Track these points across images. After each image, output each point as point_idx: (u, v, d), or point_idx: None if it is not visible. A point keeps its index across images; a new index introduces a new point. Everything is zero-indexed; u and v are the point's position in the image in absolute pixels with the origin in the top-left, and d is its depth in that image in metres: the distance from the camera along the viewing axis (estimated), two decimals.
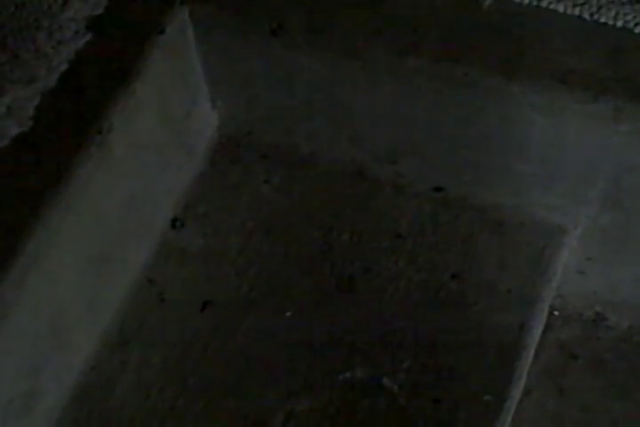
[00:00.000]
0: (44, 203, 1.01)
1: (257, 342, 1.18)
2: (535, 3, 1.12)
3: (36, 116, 1.06)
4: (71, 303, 1.10)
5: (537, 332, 1.20)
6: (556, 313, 1.43)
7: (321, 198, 1.27)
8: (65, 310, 1.09)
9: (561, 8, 1.11)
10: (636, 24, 1.09)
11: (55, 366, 1.09)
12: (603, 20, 1.10)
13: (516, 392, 1.15)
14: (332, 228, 1.25)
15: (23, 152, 1.04)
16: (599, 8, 1.11)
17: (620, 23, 1.10)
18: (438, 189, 1.26)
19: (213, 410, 1.13)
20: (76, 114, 1.06)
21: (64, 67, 1.09)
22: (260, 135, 1.29)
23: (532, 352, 1.19)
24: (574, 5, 1.11)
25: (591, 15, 1.11)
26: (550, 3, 1.12)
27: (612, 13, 1.10)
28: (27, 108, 1.06)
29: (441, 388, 1.14)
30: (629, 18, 1.10)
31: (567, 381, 1.41)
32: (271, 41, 1.14)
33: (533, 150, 1.16)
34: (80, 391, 1.13)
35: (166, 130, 1.19)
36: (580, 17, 1.11)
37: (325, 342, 1.17)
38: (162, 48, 1.12)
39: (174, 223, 1.25)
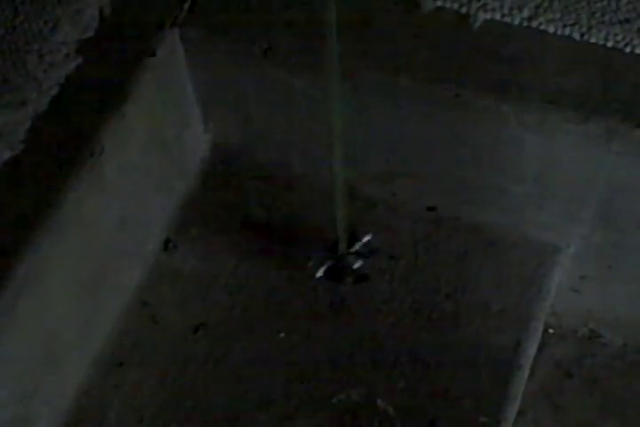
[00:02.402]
0: (35, 226, 1.00)
1: (251, 363, 1.17)
2: (526, 23, 1.12)
3: (26, 139, 1.06)
4: (63, 327, 1.09)
5: (532, 351, 1.20)
6: (550, 331, 1.43)
7: (315, 219, 1.27)
8: (57, 333, 1.08)
9: (551, 28, 1.12)
10: (626, 44, 1.10)
11: (48, 391, 1.09)
12: (593, 40, 1.11)
13: (512, 413, 1.15)
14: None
15: (14, 176, 1.04)
16: (589, 28, 1.11)
17: (610, 43, 1.10)
18: (431, 209, 1.27)
19: None
20: (67, 137, 1.06)
21: (55, 90, 1.08)
22: (253, 156, 1.29)
23: (527, 372, 1.19)
24: (564, 26, 1.12)
25: (581, 35, 1.11)
26: (541, 23, 1.12)
27: (603, 34, 1.11)
28: (17, 131, 1.06)
29: (436, 409, 1.14)
30: (619, 38, 1.10)
31: (562, 399, 1.41)
32: (262, 62, 1.15)
33: (526, 170, 1.17)
34: (73, 416, 1.13)
35: (158, 152, 1.19)
36: (570, 37, 1.11)
37: (319, 363, 1.17)
38: (153, 71, 1.12)
39: (167, 245, 1.25)
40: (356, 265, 1.21)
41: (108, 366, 1.16)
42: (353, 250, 1.20)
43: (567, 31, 1.11)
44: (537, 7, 1.13)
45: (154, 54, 1.12)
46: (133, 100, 1.10)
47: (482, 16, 1.13)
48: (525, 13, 1.13)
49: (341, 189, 1.10)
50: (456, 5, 1.14)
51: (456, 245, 1.25)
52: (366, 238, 1.21)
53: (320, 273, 1.20)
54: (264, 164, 1.29)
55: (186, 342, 1.19)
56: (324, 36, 1.12)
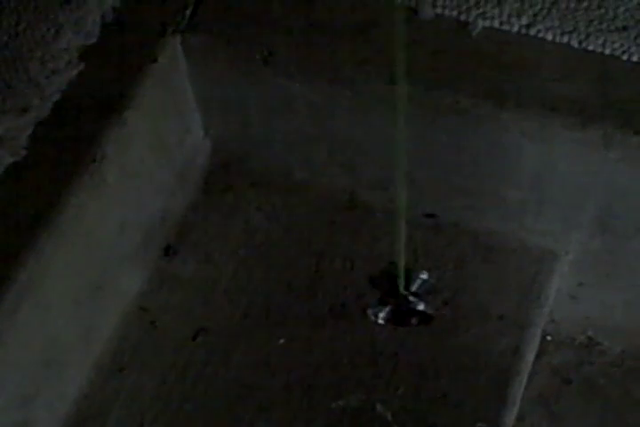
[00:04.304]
0: (37, 232, 1.01)
1: (250, 369, 1.18)
2: (524, 31, 1.13)
3: (28, 145, 1.06)
4: (64, 332, 1.10)
5: (530, 357, 1.20)
6: (548, 338, 1.44)
7: (313, 225, 1.28)
8: (58, 338, 1.09)
9: (550, 36, 1.12)
10: (624, 52, 1.10)
11: (48, 396, 1.09)
12: (591, 47, 1.11)
13: (510, 419, 1.15)
14: (325, 254, 1.25)
15: (16, 182, 1.04)
16: (587, 36, 1.12)
17: (608, 51, 1.11)
18: (429, 216, 1.27)
19: None
20: (69, 143, 1.07)
21: (57, 96, 1.09)
22: (253, 162, 1.30)
23: (525, 378, 1.19)
24: (563, 33, 1.12)
25: (579, 43, 1.12)
26: (539, 31, 1.13)
27: (601, 41, 1.11)
28: (20, 137, 1.06)
29: (435, 414, 1.14)
30: (617, 46, 1.11)
31: (560, 406, 1.41)
32: (262, 69, 1.15)
33: (524, 176, 1.17)
34: (73, 421, 1.13)
35: (159, 158, 1.20)
36: (568, 44, 1.12)
37: (319, 368, 1.17)
38: (154, 77, 1.12)
39: (167, 251, 1.26)
40: (420, 307, 1.18)
41: (108, 371, 1.16)
42: (412, 290, 1.18)
43: (565, 39, 1.12)
44: (535, 15, 1.14)
45: (155, 61, 1.12)
46: (134, 107, 1.10)
47: (480, 23, 1.14)
48: (524, 21, 1.13)
49: (403, 222, 1.05)
50: (455, 13, 1.15)
51: (455, 252, 1.25)
52: (423, 276, 1.20)
53: (381, 320, 1.18)
54: (264, 170, 1.30)
55: (185, 347, 1.19)
56: (324, 44, 1.13)
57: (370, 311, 1.19)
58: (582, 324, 1.42)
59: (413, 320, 1.19)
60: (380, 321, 1.19)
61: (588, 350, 1.44)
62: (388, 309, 1.18)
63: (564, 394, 1.41)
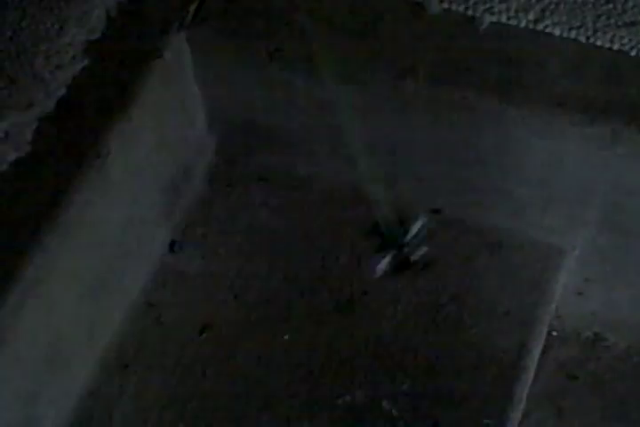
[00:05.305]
0: (42, 228, 1.01)
1: (256, 365, 1.17)
2: (532, 26, 1.12)
3: (33, 141, 1.06)
4: (69, 328, 1.10)
5: (536, 353, 1.20)
6: (554, 333, 1.43)
7: (318, 221, 1.27)
8: (63, 334, 1.08)
9: (557, 31, 1.12)
10: (632, 47, 1.10)
11: (53, 392, 1.09)
12: (599, 43, 1.11)
13: (516, 415, 1.15)
14: (330, 250, 1.25)
15: (21, 177, 1.04)
16: (595, 31, 1.11)
17: (616, 46, 1.10)
18: (436, 211, 1.26)
19: None
20: (74, 139, 1.06)
21: (62, 92, 1.09)
22: (258, 158, 1.29)
23: (531, 374, 1.19)
24: (570, 28, 1.12)
25: (587, 38, 1.11)
26: (547, 26, 1.12)
27: (609, 36, 1.11)
28: (24, 133, 1.06)
29: (440, 411, 1.14)
30: (625, 41, 1.10)
31: (566, 402, 1.41)
32: (268, 65, 1.15)
33: (531, 172, 1.17)
34: (78, 417, 1.13)
35: (164, 153, 1.20)
36: (576, 40, 1.11)
37: (324, 365, 1.17)
38: (159, 72, 1.12)
39: (172, 247, 1.25)
40: (421, 252, 1.16)
41: (113, 367, 1.16)
42: (410, 237, 1.15)
43: (573, 34, 1.12)
44: (543, 10, 1.13)
45: (160, 56, 1.12)
46: (139, 102, 1.10)
47: (488, 19, 1.13)
48: (531, 16, 1.13)
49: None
50: (462, 8, 1.14)
51: (461, 248, 1.25)
52: (420, 223, 1.16)
53: (380, 271, 1.14)
54: (268, 165, 1.29)
55: (191, 343, 1.19)
56: (331, 40, 1.13)
57: (368, 263, 1.16)
58: (588, 319, 1.42)
59: (414, 268, 1.17)
60: (379, 273, 1.16)
61: (594, 345, 1.44)
62: (387, 259, 1.15)
63: (570, 390, 1.41)
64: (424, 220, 1.17)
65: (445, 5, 1.15)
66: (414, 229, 1.16)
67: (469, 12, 1.14)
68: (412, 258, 1.18)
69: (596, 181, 1.15)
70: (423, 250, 1.16)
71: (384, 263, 1.16)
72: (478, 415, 1.13)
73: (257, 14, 1.16)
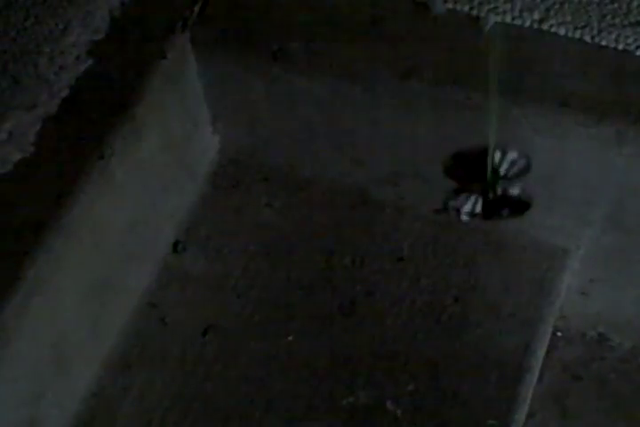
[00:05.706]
0: (45, 229, 1.01)
1: (259, 366, 1.17)
2: (536, 26, 1.12)
3: (37, 141, 1.06)
4: (73, 329, 1.10)
5: (540, 354, 1.20)
6: (559, 334, 1.43)
7: (322, 221, 1.27)
8: (67, 335, 1.08)
9: (562, 31, 1.11)
10: (637, 47, 1.09)
11: (57, 393, 1.09)
12: (604, 42, 1.10)
13: (521, 415, 1.15)
14: (334, 251, 1.25)
15: (25, 178, 1.04)
16: (600, 31, 1.11)
17: (621, 46, 1.10)
18: (438, 211, 1.26)
19: None
20: (78, 139, 1.06)
21: (65, 92, 1.09)
22: (262, 158, 1.29)
23: (535, 375, 1.18)
24: (575, 28, 1.11)
25: (592, 38, 1.11)
26: (552, 26, 1.12)
27: (614, 36, 1.10)
28: (28, 133, 1.06)
29: (445, 412, 1.14)
30: (630, 41, 1.10)
31: (571, 402, 1.41)
32: (272, 64, 1.14)
33: (536, 172, 1.16)
34: (82, 418, 1.13)
35: (167, 154, 1.19)
36: (581, 40, 1.11)
37: (328, 365, 1.17)
38: (163, 73, 1.12)
39: (176, 247, 1.25)
40: (515, 191, 0.97)
41: (117, 368, 1.16)
42: (502, 173, 0.94)
43: (578, 34, 1.11)
44: (548, 10, 1.13)
45: (164, 56, 1.12)
46: (143, 102, 1.10)
47: (492, 18, 1.13)
48: (536, 16, 1.13)
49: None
50: (467, 8, 1.14)
51: (465, 248, 1.25)
52: (512, 156, 0.96)
53: (465, 215, 0.93)
54: (273, 165, 1.29)
55: (195, 343, 1.19)
56: (334, 40, 1.12)
57: (451, 205, 0.98)
58: (593, 320, 1.42)
59: (505, 211, 0.98)
60: (464, 217, 0.98)
61: (599, 345, 1.44)
62: (473, 199, 0.97)
63: (575, 390, 1.41)
64: (514, 155, 0.97)
65: (450, 5, 1.14)
66: (505, 165, 0.97)
67: (474, 12, 1.13)
68: (510, 193, 0.97)
69: (601, 181, 1.14)
70: (516, 189, 0.97)
71: (469, 205, 0.98)
72: (483, 416, 1.13)
73: (260, 15, 1.16)
